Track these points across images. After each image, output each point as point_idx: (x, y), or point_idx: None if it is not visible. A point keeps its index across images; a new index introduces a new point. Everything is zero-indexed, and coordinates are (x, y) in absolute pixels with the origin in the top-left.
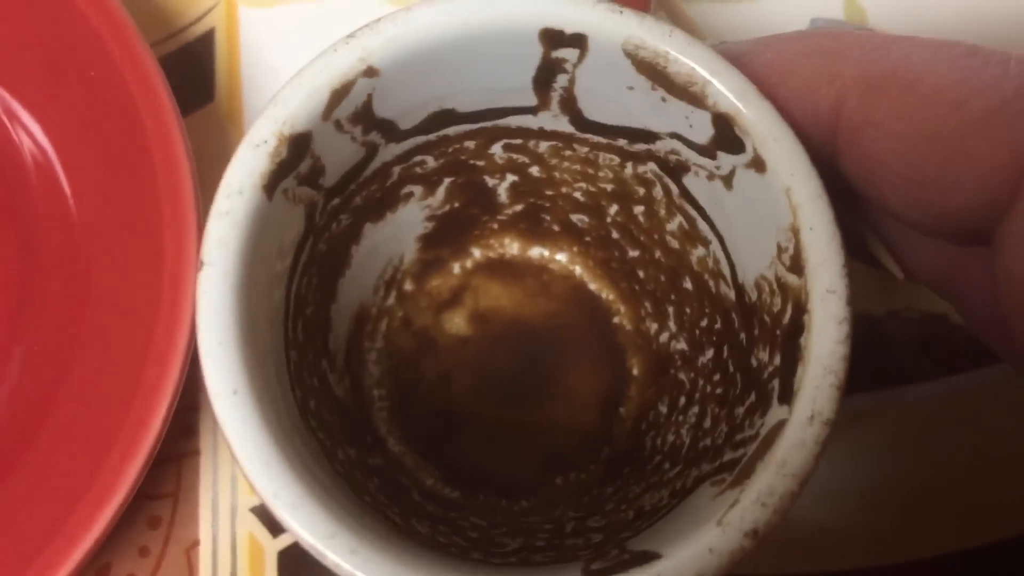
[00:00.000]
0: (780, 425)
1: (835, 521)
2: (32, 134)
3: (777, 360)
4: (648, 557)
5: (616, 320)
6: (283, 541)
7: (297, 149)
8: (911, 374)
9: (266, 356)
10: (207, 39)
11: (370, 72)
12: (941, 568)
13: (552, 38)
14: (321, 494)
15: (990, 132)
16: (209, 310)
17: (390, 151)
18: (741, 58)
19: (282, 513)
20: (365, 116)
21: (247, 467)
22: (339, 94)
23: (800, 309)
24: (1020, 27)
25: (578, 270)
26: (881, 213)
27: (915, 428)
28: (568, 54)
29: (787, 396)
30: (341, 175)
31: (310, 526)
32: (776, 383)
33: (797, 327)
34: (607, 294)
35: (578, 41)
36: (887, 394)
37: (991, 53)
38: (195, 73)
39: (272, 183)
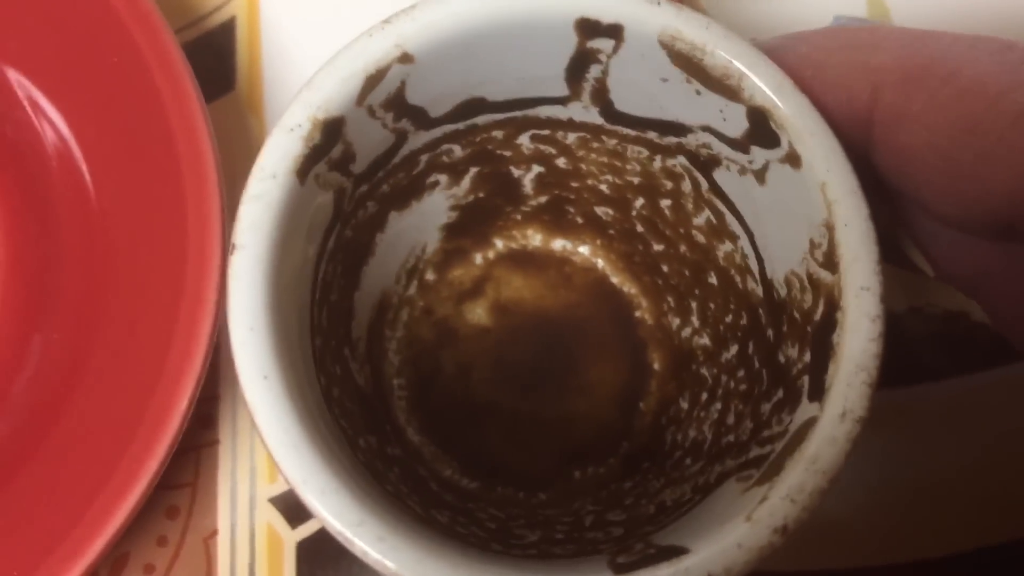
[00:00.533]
0: (811, 422)
1: (848, 518)
2: (54, 123)
3: (807, 357)
4: (675, 551)
5: (638, 314)
6: (302, 532)
7: (330, 134)
8: (930, 371)
9: (294, 342)
10: (228, 27)
11: (405, 58)
12: (954, 567)
13: (588, 28)
14: (348, 481)
15: None
16: (241, 294)
17: (419, 139)
18: (774, 53)
19: (311, 499)
20: (397, 103)
21: (276, 452)
22: (373, 80)
23: (833, 306)
24: None
25: (600, 263)
26: (912, 209)
27: (933, 426)
28: (603, 44)
29: (818, 393)
30: (370, 162)
31: (338, 513)
32: (806, 380)
33: (829, 324)
34: (629, 288)
35: (614, 32)
36: (905, 391)
37: None
38: (215, 62)
39: (305, 168)
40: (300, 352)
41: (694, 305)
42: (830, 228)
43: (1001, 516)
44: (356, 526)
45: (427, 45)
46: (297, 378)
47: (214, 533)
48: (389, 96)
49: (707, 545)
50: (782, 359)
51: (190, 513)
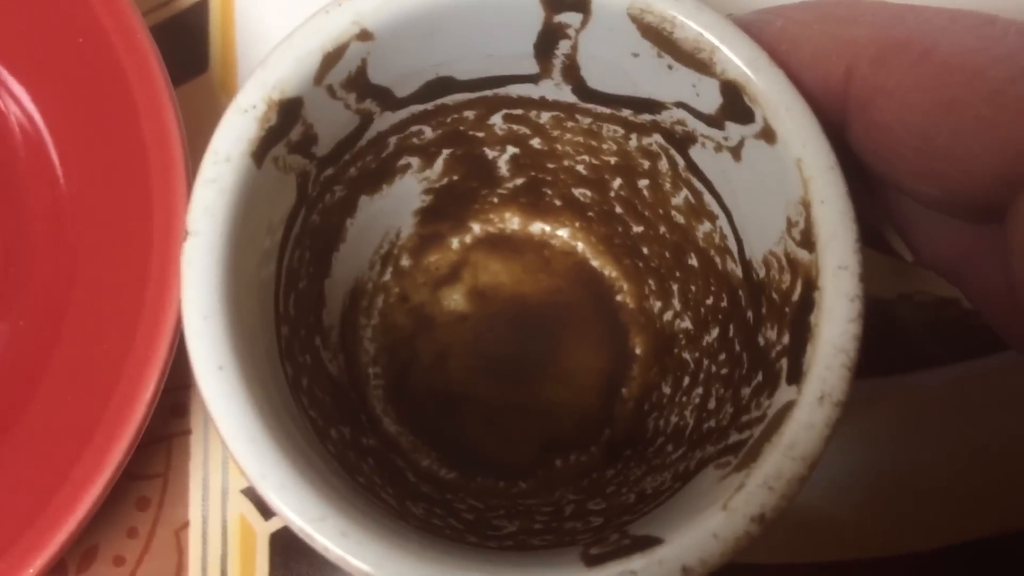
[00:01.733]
0: (788, 406)
1: (841, 510)
2: (20, 102)
3: (786, 339)
4: (649, 542)
5: (619, 298)
6: (275, 524)
7: (287, 115)
8: (922, 359)
9: (255, 331)
10: (201, 7)
11: (364, 35)
12: (950, 558)
13: (554, 2)
14: (311, 474)
15: (1008, 103)
16: (194, 282)
17: (386, 120)
18: (750, 27)
19: (269, 494)
20: (359, 82)
21: (233, 446)
22: (331, 58)
23: (810, 286)
24: None
25: (580, 246)
26: (891, 192)
27: (925, 414)
28: (571, 19)
29: (796, 376)
30: (335, 144)
31: (299, 508)
32: (784, 363)
33: (807, 304)
34: (610, 271)
35: (581, 5)
36: (897, 380)
37: (1010, 23)
38: (188, 42)
39: (261, 150)
40: (263, 342)
41: (675, 288)
42: (807, 205)
43: (994, 507)
44: (317, 521)
45: (387, 21)
46: (258, 368)
47: (185, 525)
48: (350, 75)
49: (682, 535)
50: (761, 341)
51: (161, 504)
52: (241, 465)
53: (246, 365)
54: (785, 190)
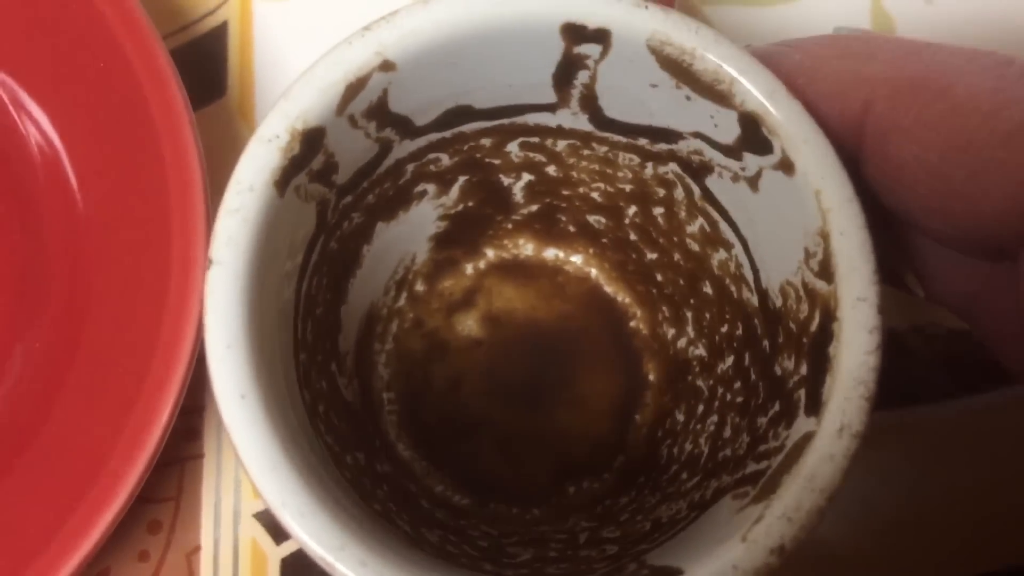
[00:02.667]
0: (807, 437)
1: (850, 542)
2: (40, 125)
3: (804, 369)
4: (669, 572)
5: (632, 324)
6: (286, 548)
7: (310, 145)
8: (933, 392)
9: (275, 359)
10: (220, 32)
11: (386, 66)
12: None
13: (574, 33)
14: (330, 502)
15: (1020, 146)
16: (217, 311)
17: (404, 148)
18: (768, 60)
19: (289, 522)
20: (380, 112)
21: (255, 474)
22: (354, 88)
23: (829, 316)
24: None
25: (594, 272)
26: (905, 227)
27: (935, 447)
28: (590, 50)
29: (815, 407)
30: (354, 172)
31: (319, 536)
32: (802, 393)
33: (826, 335)
34: (623, 297)
35: (601, 37)
36: (908, 412)
37: None
38: (207, 67)
39: (284, 180)
40: (282, 369)
41: (689, 315)
42: (825, 237)
43: (1004, 540)
44: (337, 550)
45: (409, 52)
46: (278, 396)
47: (197, 548)
48: (371, 105)
49: (701, 566)
50: (778, 371)
51: (173, 528)
52: (262, 493)
53: (267, 393)
54: (803, 221)
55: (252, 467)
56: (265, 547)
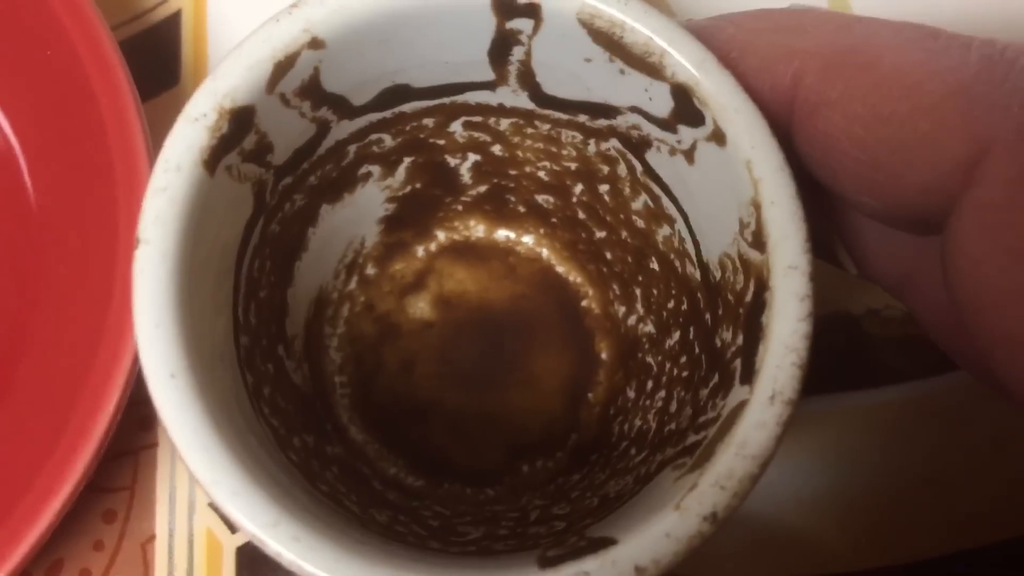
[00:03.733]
0: (741, 406)
1: (808, 524)
2: None
3: (740, 339)
4: (604, 543)
5: (584, 303)
6: (241, 537)
7: (239, 123)
8: (890, 374)
9: (212, 340)
10: (173, 21)
11: (315, 44)
12: (918, 572)
13: (505, 8)
14: (266, 481)
15: (945, 116)
16: (146, 290)
17: (344, 128)
18: (702, 33)
19: (222, 500)
20: (313, 90)
21: (185, 453)
22: (283, 66)
23: (762, 286)
24: (1007, 22)
25: (545, 252)
26: (836, 203)
27: (892, 429)
28: (522, 24)
29: (748, 376)
30: (292, 152)
31: (251, 513)
32: (738, 363)
33: (759, 305)
34: (575, 277)
35: (531, 11)
36: (865, 394)
37: (954, 37)
38: (160, 55)
39: (213, 159)
40: (220, 350)
41: (638, 292)
42: (757, 206)
43: (963, 522)
44: (270, 527)
45: (338, 29)
46: (212, 377)
47: (152, 538)
48: (303, 83)
49: (635, 536)
50: (718, 343)
51: (127, 517)
52: (194, 472)
53: (200, 373)
54: (736, 192)
55: (183, 447)
56: (220, 536)
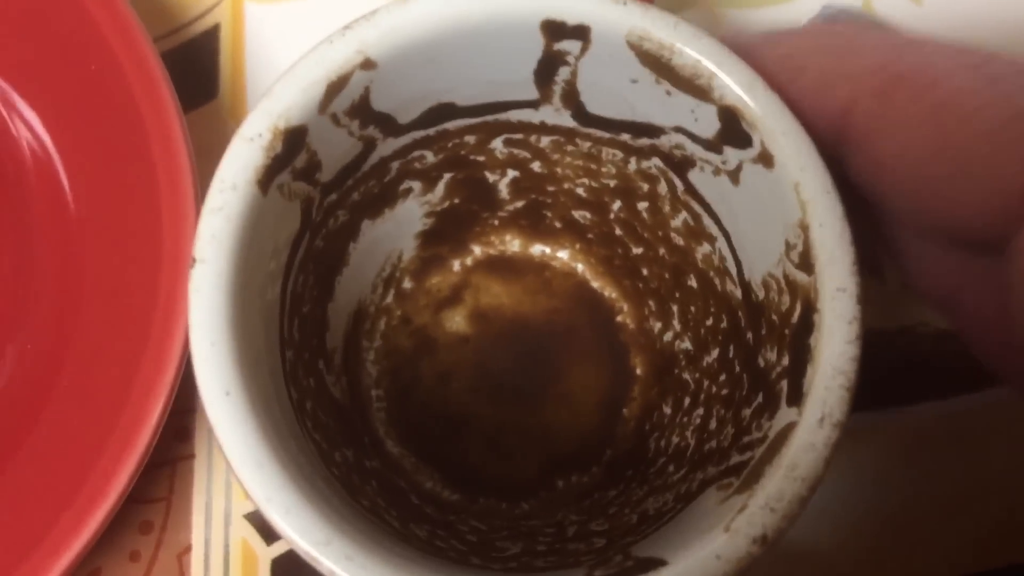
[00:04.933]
0: (789, 428)
1: (834, 542)
2: (31, 126)
3: (786, 360)
4: (653, 564)
5: (619, 319)
6: (277, 549)
7: (292, 143)
8: (922, 391)
9: (260, 356)
10: (212, 35)
11: (367, 64)
12: None
13: (554, 30)
14: (316, 498)
15: (1002, 144)
16: (202, 309)
17: (388, 146)
18: (753, 51)
19: (275, 518)
20: (362, 110)
21: (240, 470)
22: (335, 87)
23: (810, 308)
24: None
25: (580, 267)
26: (887, 221)
27: (923, 447)
28: (570, 46)
29: (796, 398)
30: (338, 170)
31: (304, 531)
32: (785, 384)
33: (806, 326)
34: (610, 292)
35: (581, 33)
36: (896, 412)
37: (1010, 63)
38: (199, 69)
39: (267, 178)
40: (268, 366)
41: (675, 308)
42: (805, 228)
43: (987, 542)
44: (323, 545)
45: (390, 50)
46: (263, 393)
47: (188, 549)
48: (353, 103)
49: (685, 557)
50: (761, 363)
51: (164, 528)
52: (248, 489)
53: (252, 390)
54: (783, 213)
55: (237, 464)
56: (256, 548)
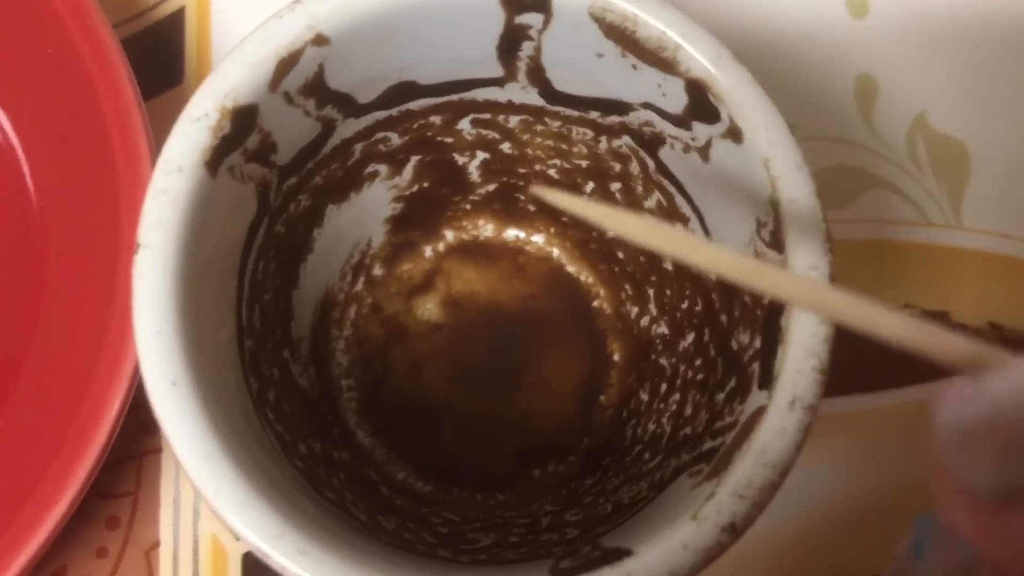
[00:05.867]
0: (760, 411)
1: (818, 529)
2: None
3: (758, 342)
4: (619, 554)
5: (596, 304)
6: (247, 544)
7: (242, 123)
8: (909, 375)
9: (215, 345)
10: (177, 18)
11: (319, 40)
12: None
13: (514, 2)
14: (270, 491)
15: None
16: (146, 296)
17: (349, 127)
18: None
19: (224, 511)
20: (318, 88)
21: (187, 463)
22: (286, 64)
23: None
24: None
25: (555, 252)
26: None
27: (909, 432)
28: (532, 19)
29: (767, 381)
30: (296, 152)
31: (255, 525)
32: (756, 367)
33: (778, 307)
34: (586, 276)
35: (542, 5)
36: (882, 396)
37: None
38: (164, 54)
39: (215, 159)
40: (224, 356)
41: (651, 292)
42: (775, 204)
43: None
44: (275, 539)
45: (343, 25)
46: (215, 383)
47: (156, 544)
48: (307, 81)
49: (651, 547)
50: (735, 345)
51: (131, 524)
52: (195, 482)
53: (202, 380)
54: (753, 190)
55: (184, 456)
56: (226, 543)
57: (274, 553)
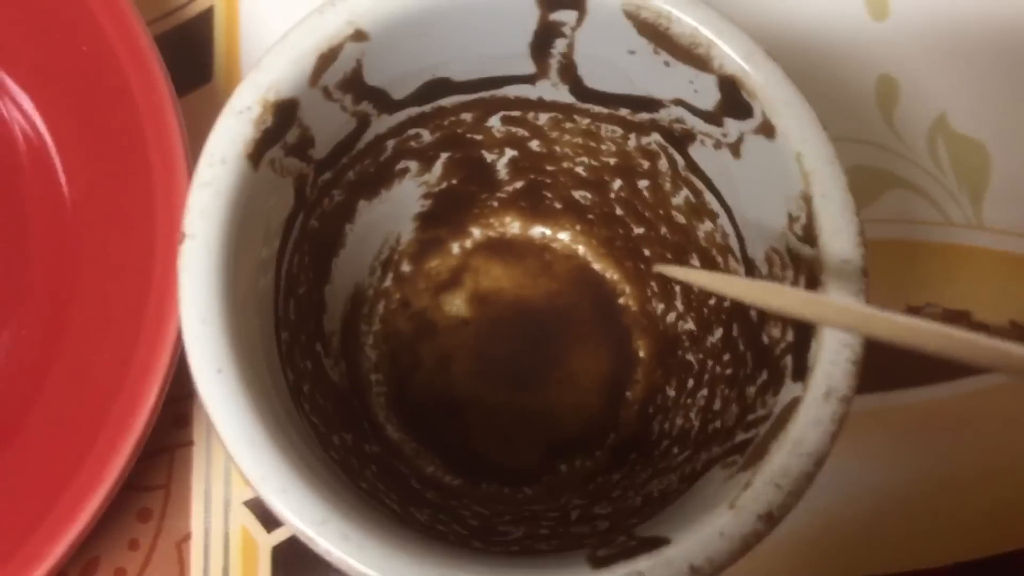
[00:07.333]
0: (794, 403)
1: (840, 526)
2: (23, 109)
3: (790, 336)
4: (656, 543)
5: (621, 301)
6: (277, 536)
7: (283, 117)
8: (929, 373)
9: (255, 335)
10: (206, 17)
11: (359, 36)
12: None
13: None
14: (312, 478)
15: None
16: (192, 285)
17: (383, 123)
18: None
19: (271, 497)
20: (355, 83)
21: (233, 449)
22: (326, 59)
23: (814, 281)
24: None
25: (581, 249)
26: None
27: (929, 429)
28: (566, 16)
29: (801, 373)
30: (332, 147)
31: (300, 511)
32: (789, 360)
33: None
34: (612, 274)
35: (576, 2)
36: (905, 393)
37: None
38: (193, 52)
39: (257, 152)
40: (263, 346)
41: (677, 289)
42: (807, 200)
43: (994, 526)
44: (319, 524)
45: (381, 21)
46: (257, 372)
47: (187, 537)
48: (345, 76)
49: (689, 535)
50: (766, 339)
51: (163, 516)
52: (242, 468)
53: (245, 369)
54: (786, 185)
55: (231, 442)
56: (256, 535)
57: (319, 539)
